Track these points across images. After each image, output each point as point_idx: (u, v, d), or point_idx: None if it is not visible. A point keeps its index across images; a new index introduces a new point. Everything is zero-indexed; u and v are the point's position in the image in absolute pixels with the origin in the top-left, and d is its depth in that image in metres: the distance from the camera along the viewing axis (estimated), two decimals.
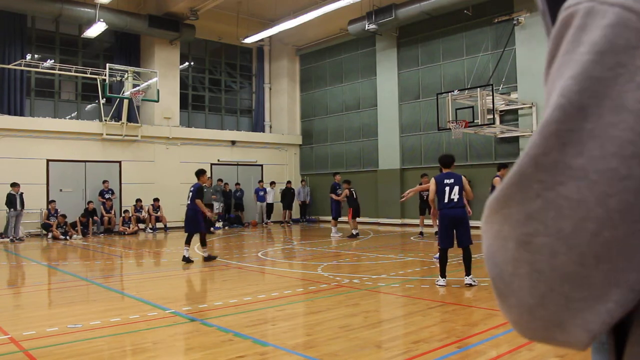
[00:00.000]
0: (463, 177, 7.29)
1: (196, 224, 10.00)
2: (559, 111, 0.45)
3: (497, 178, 10.64)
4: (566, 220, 0.44)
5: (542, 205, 0.46)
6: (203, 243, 10.07)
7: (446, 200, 7.10)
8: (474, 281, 7.14)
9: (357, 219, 14.87)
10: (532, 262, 0.46)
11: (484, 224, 0.53)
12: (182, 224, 18.96)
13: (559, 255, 0.45)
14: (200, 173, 10.28)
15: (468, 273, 7.11)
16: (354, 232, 14.75)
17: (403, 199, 14.62)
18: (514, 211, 0.48)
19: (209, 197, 17.25)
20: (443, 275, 7.17)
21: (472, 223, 7.65)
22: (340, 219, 15.41)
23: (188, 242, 10.10)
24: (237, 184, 20.58)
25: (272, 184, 20.85)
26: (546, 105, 0.49)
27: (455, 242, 7.27)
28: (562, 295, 0.45)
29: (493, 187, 10.72)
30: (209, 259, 10.04)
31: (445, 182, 7.15)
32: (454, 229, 7.10)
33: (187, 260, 9.94)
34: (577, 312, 0.45)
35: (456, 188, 7.06)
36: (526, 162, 0.47)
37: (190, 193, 10.11)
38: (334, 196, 14.90)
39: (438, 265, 7.45)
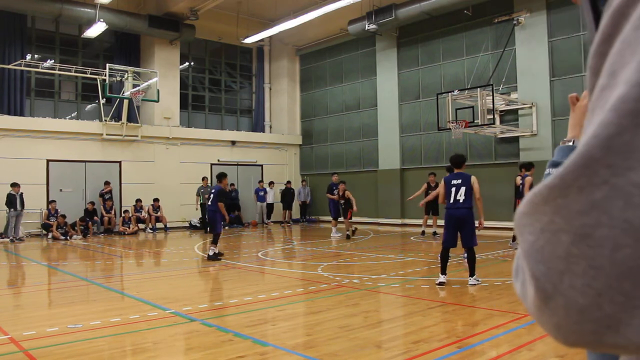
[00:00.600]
0: (473, 177, 7.25)
1: (214, 223, 10.58)
2: (639, 88, 0.41)
3: (518, 177, 10.69)
4: (635, 210, 0.40)
5: (608, 193, 0.41)
6: (214, 241, 10.46)
7: (452, 201, 7.13)
8: (478, 281, 7.16)
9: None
10: (590, 257, 0.42)
11: (525, 217, 0.48)
12: (182, 224, 19.08)
13: (623, 248, 0.41)
14: (222, 176, 10.73)
15: (472, 274, 7.13)
16: (349, 232, 14.52)
17: (411, 198, 14.64)
18: (572, 200, 0.43)
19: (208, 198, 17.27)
20: (443, 273, 7.20)
21: (488, 224, 7.65)
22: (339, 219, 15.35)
23: (215, 242, 10.57)
24: (232, 184, 20.50)
25: (271, 184, 20.83)
26: (595, 81, 0.45)
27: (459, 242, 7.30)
28: (621, 293, 0.41)
29: (516, 187, 10.79)
30: (213, 257, 10.25)
31: (452, 182, 7.18)
32: (459, 229, 7.11)
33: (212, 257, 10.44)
34: (637, 311, 0.41)
35: (462, 189, 7.06)
36: (595, 144, 0.42)
37: (212, 195, 10.66)
38: (333, 197, 14.77)
39: (439, 265, 7.47)
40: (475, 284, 7.08)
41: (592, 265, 0.42)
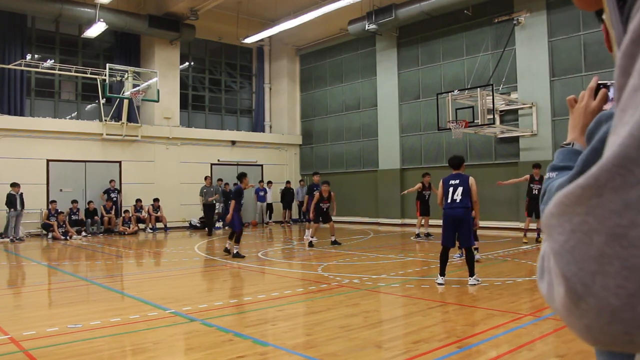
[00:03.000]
0: (471, 178, 7.30)
1: (231, 222, 10.92)
2: None
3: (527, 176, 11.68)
4: None
5: None
6: (237, 240, 10.79)
7: (449, 200, 7.18)
8: (478, 280, 7.16)
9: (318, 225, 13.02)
10: (624, 257, 0.41)
11: (553, 218, 0.47)
12: (182, 224, 19.08)
13: None
14: (242, 176, 11.02)
15: (471, 274, 7.13)
16: (315, 239, 12.95)
17: (405, 192, 14.47)
18: (606, 200, 0.43)
19: (209, 197, 17.03)
20: (442, 274, 7.21)
21: (482, 224, 7.65)
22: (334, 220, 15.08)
23: (231, 237, 11.08)
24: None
25: (269, 183, 20.78)
26: (624, 81, 0.45)
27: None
28: None
29: (529, 186, 11.59)
30: (236, 255, 10.64)
31: (450, 182, 7.24)
32: (456, 229, 7.13)
33: (227, 251, 11.01)
34: None
35: (460, 189, 7.10)
36: (631, 144, 0.42)
37: (231, 195, 11.24)
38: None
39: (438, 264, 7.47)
40: (475, 284, 7.09)
41: (625, 265, 0.42)
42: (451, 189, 7.17)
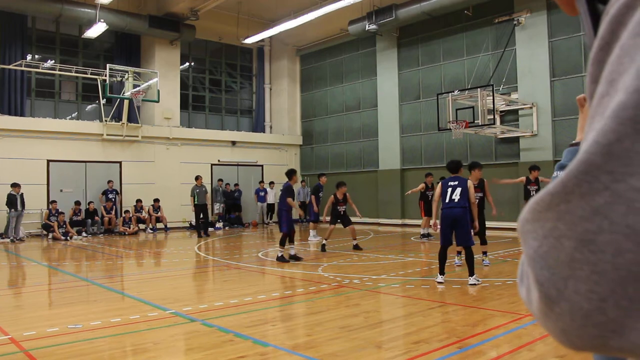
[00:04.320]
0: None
1: (280, 222, 10.25)
2: (638, 94, 0.41)
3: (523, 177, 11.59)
4: (637, 216, 0.40)
5: (609, 199, 0.42)
6: (290, 240, 10.07)
7: (447, 200, 7.25)
8: (478, 280, 7.18)
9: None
10: (593, 262, 0.42)
11: (527, 224, 0.48)
12: (182, 225, 19.09)
13: (625, 253, 0.41)
14: (291, 173, 10.37)
15: (471, 273, 7.16)
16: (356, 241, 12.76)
17: (409, 193, 14.45)
18: (575, 206, 0.44)
19: (204, 198, 16.32)
20: (442, 273, 7.27)
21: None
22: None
23: (282, 243, 10.07)
24: (236, 184, 20.57)
25: (272, 184, 20.80)
26: (594, 88, 0.46)
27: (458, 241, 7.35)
28: (625, 297, 0.41)
29: (526, 188, 11.60)
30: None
31: (449, 184, 7.34)
32: (453, 229, 7.18)
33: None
34: None
35: (458, 190, 7.21)
36: (595, 151, 0.43)
37: (280, 192, 10.44)
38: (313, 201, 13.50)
39: (438, 265, 7.48)
40: (475, 284, 7.10)
41: (595, 270, 0.42)
42: (449, 190, 7.27)
